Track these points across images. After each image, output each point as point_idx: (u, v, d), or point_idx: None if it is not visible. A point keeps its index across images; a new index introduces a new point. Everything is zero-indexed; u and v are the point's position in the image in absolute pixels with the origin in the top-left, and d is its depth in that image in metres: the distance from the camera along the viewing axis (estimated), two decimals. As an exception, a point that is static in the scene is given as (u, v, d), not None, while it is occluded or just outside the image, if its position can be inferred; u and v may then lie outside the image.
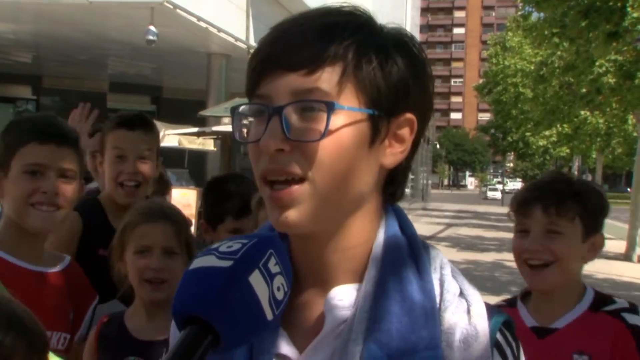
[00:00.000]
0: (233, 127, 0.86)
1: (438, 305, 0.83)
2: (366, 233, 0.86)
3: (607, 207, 1.78)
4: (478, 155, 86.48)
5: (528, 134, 28.66)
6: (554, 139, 25.69)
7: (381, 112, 0.82)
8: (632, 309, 1.69)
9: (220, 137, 13.20)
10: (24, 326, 1.16)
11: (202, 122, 14.20)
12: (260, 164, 0.81)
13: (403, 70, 0.83)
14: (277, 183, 0.80)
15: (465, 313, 0.83)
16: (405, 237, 0.87)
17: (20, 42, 15.19)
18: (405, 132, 0.85)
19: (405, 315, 0.80)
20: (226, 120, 12.59)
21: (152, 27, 11.10)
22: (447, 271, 0.86)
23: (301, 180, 0.79)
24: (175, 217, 1.86)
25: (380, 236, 0.86)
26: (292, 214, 0.80)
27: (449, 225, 23.59)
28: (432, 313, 0.81)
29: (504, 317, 0.86)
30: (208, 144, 15.10)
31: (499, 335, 0.83)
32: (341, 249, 0.85)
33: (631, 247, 15.74)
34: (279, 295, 0.73)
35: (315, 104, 0.79)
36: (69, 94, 19.63)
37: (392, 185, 0.89)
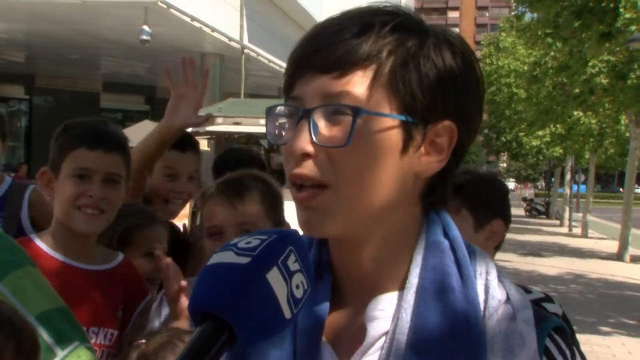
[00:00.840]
0: (267, 128, 0.84)
1: (482, 313, 0.79)
2: (406, 239, 0.84)
3: (502, 193, 1.84)
4: (472, 155, 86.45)
5: (521, 134, 28.69)
6: (547, 139, 25.69)
7: (415, 119, 0.78)
8: (549, 299, 1.79)
9: (214, 137, 13.16)
10: (13, 327, 1.15)
11: (195, 122, 14.17)
12: (288, 167, 0.80)
13: (443, 74, 0.79)
14: (303, 186, 0.79)
15: (511, 320, 0.79)
16: (448, 241, 0.84)
17: (12, 41, 15.14)
18: (443, 140, 0.80)
19: (447, 325, 0.77)
20: (220, 120, 12.57)
21: (145, 27, 11.09)
22: (493, 276, 0.82)
23: (324, 186, 0.78)
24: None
25: (421, 244, 0.83)
26: (315, 217, 0.79)
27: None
28: (475, 322, 0.78)
29: (554, 323, 0.83)
30: (202, 144, 15.09)
31: (548, 342, 0.80)
32: (378, 258, 0.83)
33: (623, 246, 15.82)
34: (298, 294, 0.72)
35: (342, 108, 0.77)
36: (62, 94, 19.58)
37: (432, 194, 0.84)
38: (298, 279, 0.72)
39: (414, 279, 0.81)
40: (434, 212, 0.86)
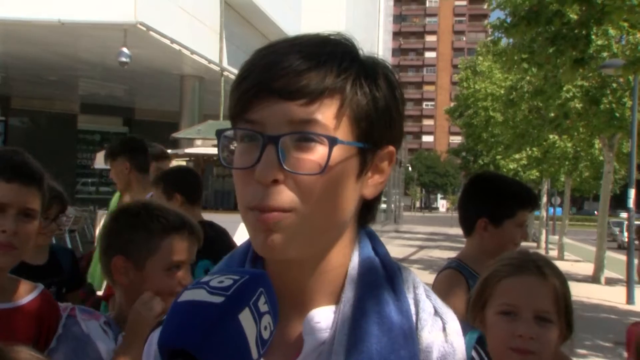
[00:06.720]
0: (219, 151, 0.84)
1: (415, 325, 0.84)
2: (342, 256, 0.87)
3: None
4: (449, 178, 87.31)
5: (498, 157, 29.02)
6: (523, 162, 26.00)
7: (370, 145, 0.83)
8: None
9: (193, 159, 13.13)
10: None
11: (174, 144, 14.12)
12: (251, 192, 0.79)
13: (388, 101, 0.84)
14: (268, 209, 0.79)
15: (442, 331, 0.84)
16: (379, 258, 0.88)
17: (-12, 62, 14.99)
18: (385, 164, 0.86)
19: (384, 336, 0.81)
20: (199, 142, 12.53)
21: (124, 49, 11.05)
22: (421, 290, 0.88)
23: (289, 210, 0.78)
24: None
25: (355, 258, 0.87)
26: (278, 239, 0.79)
27: (421, 248, 23.68)
28: (410, 333, 0.82)
29: (477, 333, 0.88)
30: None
31: (473, 353, 0.86)
32: (319, 273, 0.86)
33: (598, 269, 15.98)
34: (265, 335, 0.73)
35: (316, 137, 0.78)
36: (39, 115, 19.38)
37: (368, 213, 0.90)
38: (266, 320, 0.73)
39: (349, 293, 0.85)
40: (364, 230, 0.90)
